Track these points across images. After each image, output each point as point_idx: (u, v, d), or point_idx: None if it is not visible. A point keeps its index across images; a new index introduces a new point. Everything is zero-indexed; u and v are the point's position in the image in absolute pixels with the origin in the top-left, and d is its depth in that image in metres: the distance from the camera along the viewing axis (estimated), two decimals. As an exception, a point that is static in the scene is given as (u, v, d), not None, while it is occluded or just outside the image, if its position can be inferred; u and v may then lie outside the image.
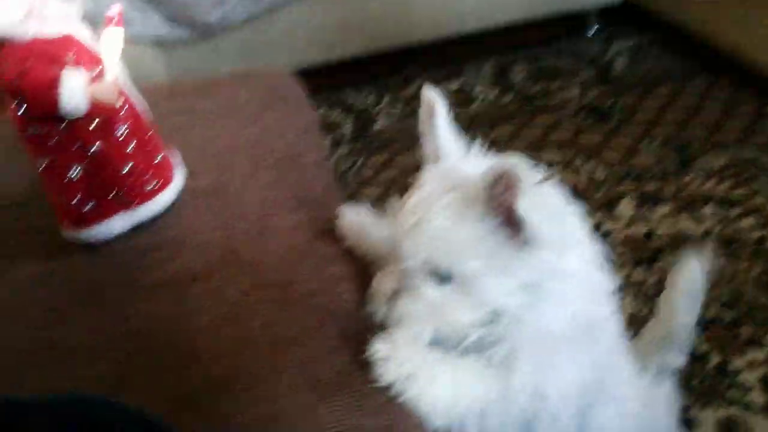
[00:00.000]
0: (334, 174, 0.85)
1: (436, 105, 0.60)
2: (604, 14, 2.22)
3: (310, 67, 1.98)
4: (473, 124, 1.83)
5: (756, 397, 1.09)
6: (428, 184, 0.57)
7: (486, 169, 0.53)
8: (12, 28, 0.58)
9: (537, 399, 0.60)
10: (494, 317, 0.58)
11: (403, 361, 0.54)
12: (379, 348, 0.55)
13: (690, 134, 1.71)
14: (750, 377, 1.12)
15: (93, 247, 0.71)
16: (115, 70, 0.65)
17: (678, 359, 0.83)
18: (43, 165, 0.67)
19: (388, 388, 0.55)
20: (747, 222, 1.42)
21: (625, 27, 2.22)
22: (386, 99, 2.00)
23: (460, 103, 1.93)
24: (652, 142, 1.70)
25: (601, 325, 0.64)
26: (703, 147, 1.66)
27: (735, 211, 1.45)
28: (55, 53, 0.61)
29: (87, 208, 0.69)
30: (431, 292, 0.55)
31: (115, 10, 0.66)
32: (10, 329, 0.63)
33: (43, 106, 0.61)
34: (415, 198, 0.56)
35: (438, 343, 0.58)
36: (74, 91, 0.60)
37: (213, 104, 0.94)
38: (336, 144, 1.83)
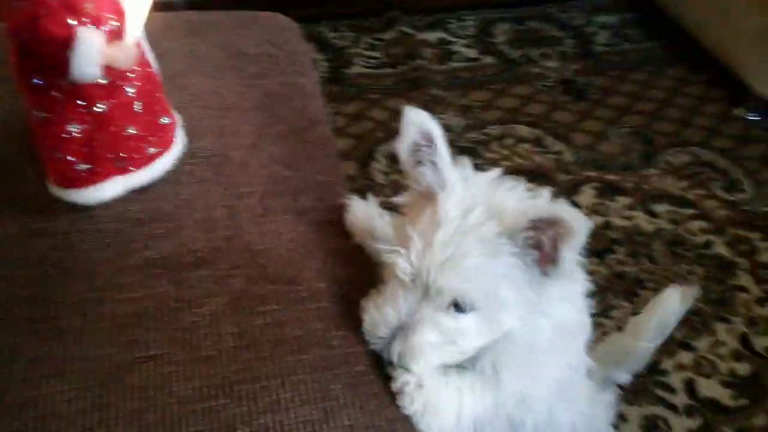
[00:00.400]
0: (335, 145, 0.81)
1: (434, 134, 0.57)
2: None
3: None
4: (450, 84, 1.79)
5: (679, 398, 1.19)
6: (452, 215, 0.56)
7: (533, 208, 0.53)
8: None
9: (522, 404, 0.63)
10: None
11: (430, 392, 0.55)
12: (408, 380, 0.55)
13: (657, 127, 1.75)
14: (676, 379, 1.22)
15: (81, 210, 0.66)
16: (137, 31, 0.59)
17: (625, 376, 0.88)
18: (41, 119, 0.60)
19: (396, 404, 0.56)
20: (696, 225, 1.50)
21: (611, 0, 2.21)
22: (364, 41, 1.92)
23: (439, 57, 1.89)
24: (620, 129, 1.73)
25: (578, 329, 0.67)
26: (667, 143, 1.71)
27: (687, 212, 1.53)
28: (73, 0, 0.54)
29: (82, 167, 0.64)
30: (452, 322, 0.56)
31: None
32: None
33: (52, 64, 0.54)
34: (443, 231, 0.55)
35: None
36: (89, 56, 0.53)
37: (212, 49, 0.87)
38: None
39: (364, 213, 0.69)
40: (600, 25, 2.11)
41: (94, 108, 0.61)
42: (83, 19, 0.54)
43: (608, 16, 2.15)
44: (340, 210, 0.71)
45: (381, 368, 0.59)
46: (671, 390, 1.20)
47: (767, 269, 1.42)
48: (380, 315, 0.56)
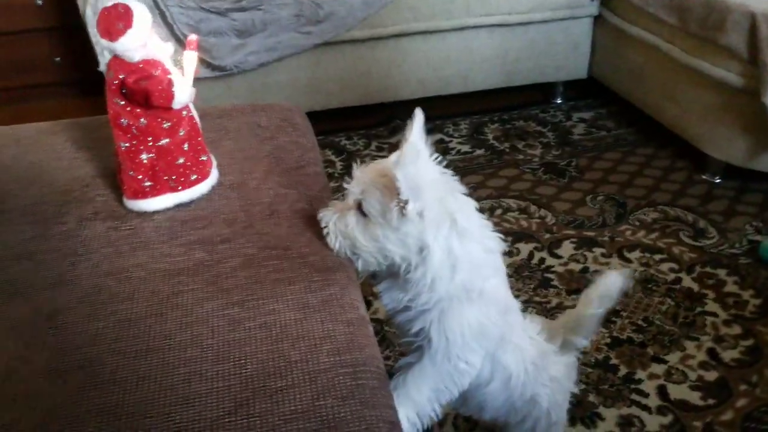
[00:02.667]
0: (326, 180, 1.12)
1: (417, 119, 0.88)
2: (571, 86, 2.57)
3: (310, 111, 2.28)
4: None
5: (652, 401, 1.34)
6: (387, 162, 0.85)
7: (390, 167, 0.80)
8: (132, 52, 0.87)
9: (444, 339, 0.85)
10: (386, 258, 0.84)
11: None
12: (329, 230, 0.88)
13: (629, 193, 2.01)
14: (650, 385, 1.37)
15: (144, 215, 0.97)
16: (190, 82, 0.93)
17: (582, 342, 1.07)
18: (124, 148, 0.93)
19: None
20: (666, 266, 1.70)
21: (587, 99, 2.57)
22: (374, 145, 2.30)
23: (438, 153, 2.23)
24: (596, 197, 1.99)
25: (488, 294, 0.87)
26: (638, 204, 1.95)
27: (657, 257, 1.74)
28: (150, 70, 0.89)
29: (147, 184, 0.95)
30: (353, 218, 0.85)
31: (193, 38, 0.95)
32: (92, 258, 0.89)
33: (164, 99, 0.89)
34: (372, 167, 0.86)
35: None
36: (183, 89, 0.91)
37: (239, 125, 1.22)
38: (327, 177, 2.11)
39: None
40: (577, 119, 2.45)
41: (159, 143, 0.94)
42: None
43: (584, 113, 2.49)
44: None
45: (347, 295, 0.84)
46: (645, 395, 1.35)
47: (733, 297, 1.60)
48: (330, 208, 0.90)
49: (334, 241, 0.88)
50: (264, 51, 2.17)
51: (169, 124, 0.93)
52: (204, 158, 1.01)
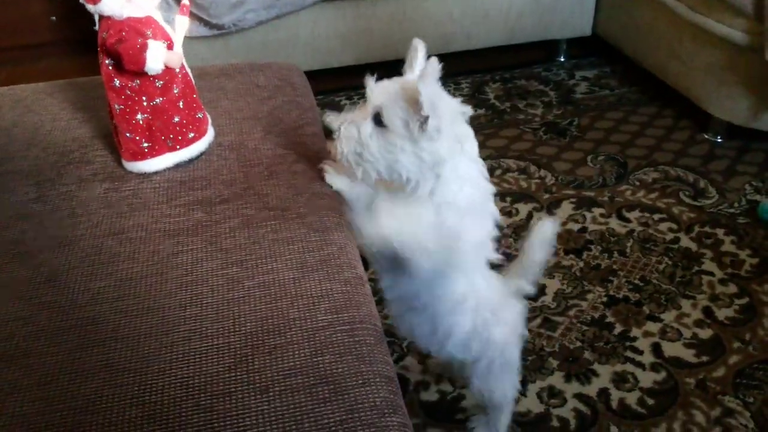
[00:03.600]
0: (324, 140, 1.11)
1: (420, 48, 0.90)
2: (574, 44, 2.53)
3: (309, 71, 2.26)
4: (448, 130, 2.11)
5: (646, 358, 1.36)
6: (402, 79, 0.87)
7: (414, 82, 0.81)
8: (117, 10, 0.85)
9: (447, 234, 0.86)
10: (392, 171, 0.85)
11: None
12: (343, 134, 0.86)
13: (630, 153, 2.00)
14: (644, 343, 1.40)
15: (143, 176, 0.97)
16: (180, 46, 0.92)
17: (528, 287, 1.09)
18: (119, 109, 0.93)
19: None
20: (665, 225, 1.71)
21: (591, 57, 2.53)
22: (375, 103, 2.28)
23: (439, 111, 2.22)
24: (597, 157, 1.99)
25: (482, 209, 0.90)
26: (639, 164, 1.95)
27: (657, 216, 1.74)
28: (141, 28, 0.88)
29: (144, 145, 0.95)
30: (368, 127, 0.85)
31: (186, 1, 0.94)
32: (92, 218, 0.90)
33: (134, 64, 0.87)
34: (388, 83, 0.87)
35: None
36: (156, 56, 0.87)
37: (237, 84, 1.21)
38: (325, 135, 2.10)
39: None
40: (580, 78, 2.42)
41: (153, 102, 0.93)
42: (150, 38, 0.88)
43: (587, 71, 2.46)
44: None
45: (345, 254, 0.85)
46: (639, 352, 1.38)
47: (730, 256, 1.61)
48: (344, 115, 0.88)
49: (343, 146, 0.87)
50: (262, 8, 2.13)
51: (161, 82, 0.92)
52: (200, 115, 1.00)
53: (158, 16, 0.92)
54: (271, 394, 0.65)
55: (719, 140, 2.03)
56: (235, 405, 0.63)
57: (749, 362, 1.34)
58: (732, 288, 1.52)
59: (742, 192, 1.81)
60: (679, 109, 2.16)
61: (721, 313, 1.46)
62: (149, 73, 0.89)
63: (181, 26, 0.92)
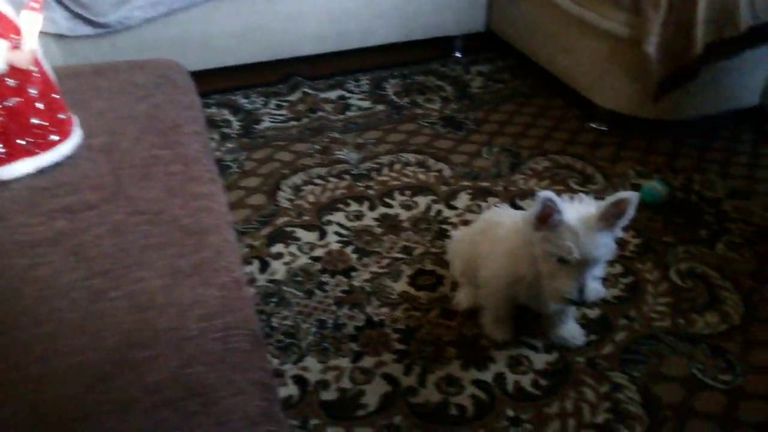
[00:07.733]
0: (206, 139, 1.07)
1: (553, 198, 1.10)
2: (470, 40, 2.58)
3: (204, 69, 2.18)
4: (347, 128, 2.10)
5: (539, 341, 1.40)
6: (576, 225, 1.09)
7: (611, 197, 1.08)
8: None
9: None
10: None
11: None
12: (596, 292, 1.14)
13: (523, 143, 2.07)
14: (537, 326, 1.44)
15: (1, 184, 0.90)
16: (32, 44, 0.85)
17: None
18: (-32, 113, 0.86)
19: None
20: (556, 213, 1.77)
21: (485, 53, 2.60)
22: (273, 103, 2.23)
23: (337, 110, 2.20)
24: (492, 149, 2.04)
25: None
26: (531, 153, 2.02)
27: (548, 205, 1.80)
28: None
29: (0, 150, 0.88)
30: (600, 271, 1.11)
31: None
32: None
33: None
34: (582, 232, 1.09)
35: None
36: None
37: (112, 83, 1.14)
38: (224, 138, 2.04)
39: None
40: (476, 73, 2.48)
41: (6, 103, 0.86)
42: (-8, 36, 0.81)
43: (482, 66, 2.52)
44: (199, 168, 0.95)
45: (222, 258, 0.82)
46: (533, 335, 1.42)
47: (616, 239, 1.69)
48: (572, 285, 1.10)
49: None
50: (149, 5, 2.04)
51: (15, 82, 0.85)
52: (63, 116, 0.94)
53: (8, 10, 0.85)
54: (133, 412, 0.61)
55: (605, 128, 2.13)
56: (91, 428, 0.59)
57: (635, 337, 1.41)
58: (618, 268, 1.59)
59: (627, 177, 1.91)
60: (568, 100, 2.26)
61: (608, 293, 1.53)
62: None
63: (29, 23, 0.86)
